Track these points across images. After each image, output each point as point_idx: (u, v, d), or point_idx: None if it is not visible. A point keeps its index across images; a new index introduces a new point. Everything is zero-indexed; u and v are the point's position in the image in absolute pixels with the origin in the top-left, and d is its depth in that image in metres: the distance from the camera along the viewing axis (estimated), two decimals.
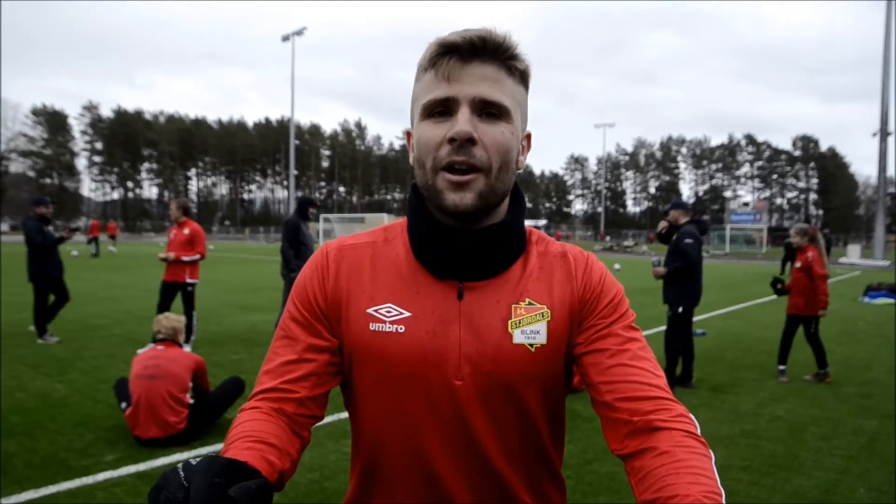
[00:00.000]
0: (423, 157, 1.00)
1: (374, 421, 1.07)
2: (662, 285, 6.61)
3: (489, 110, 0.97)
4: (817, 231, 7.05)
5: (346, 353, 1.06)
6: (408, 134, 1.09)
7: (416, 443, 1.04)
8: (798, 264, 6.82)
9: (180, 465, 0.72)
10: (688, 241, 6.26)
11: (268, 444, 0.92)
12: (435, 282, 1.04)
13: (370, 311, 1.04)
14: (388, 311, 1.03)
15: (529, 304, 1.04)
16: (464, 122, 0.95)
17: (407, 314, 1.03)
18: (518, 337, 1.02)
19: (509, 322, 1.02)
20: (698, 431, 0.93)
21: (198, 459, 0.73)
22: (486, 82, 0.97)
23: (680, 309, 6.39)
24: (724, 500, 0.80)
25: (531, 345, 1.02)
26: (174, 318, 4.87)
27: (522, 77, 1.02)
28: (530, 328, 1.02)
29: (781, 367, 6.86)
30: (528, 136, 1.11)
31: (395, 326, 1.02)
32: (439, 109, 0.98)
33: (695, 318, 6.76)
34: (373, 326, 1.03)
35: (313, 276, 1.09)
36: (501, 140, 0.98)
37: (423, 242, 1.06)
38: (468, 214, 0.99)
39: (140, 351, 7.34)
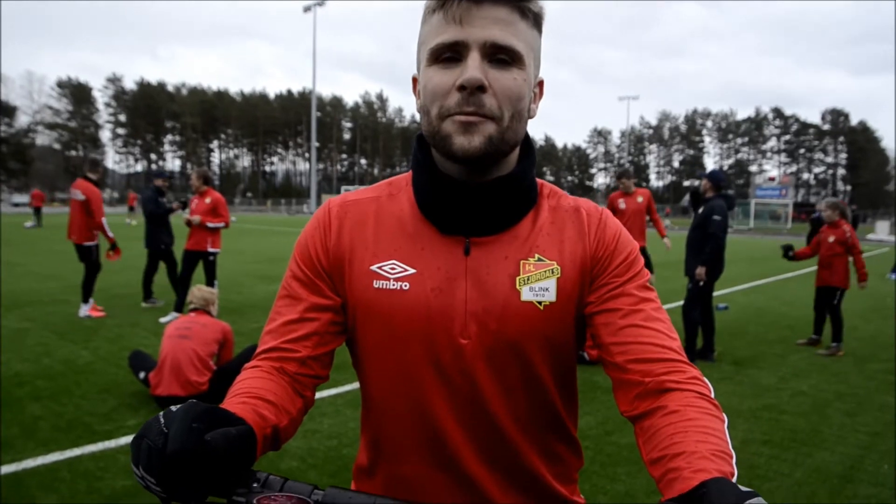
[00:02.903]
0: (428, 104, 0.94)
1: (380, 381, 1.04)
2: (685, 256, 6.54)
3: (501, 56, 0.91)
4: (846, 206, 7.29)
5: (350, 312, 1.03)
6: (413, 80, 1.03)
7: (421, 403, 1.01)
8: (832, 238, 7.01)
9: (162, 413, 0.71)
10: (717, 217, 6.18)
11: (263, 399, 0.90)
12: (441, 237, 1.00)
13: (373, 268, 1.00)
14: (392, 268, 0.99)
15: (539, 260, 1.00)
16: (474, 68, 0.89)
17: (411, 271, 0.99)
18: (526, 294, 0.98)
19: (517, 279, 0.98)
20: (712, 394, 0.90)
21: (179, 406, 0.72)
22: (499, 25, 0.90)
23: (701, 282, 6.33)
24: (734, 462, 0.77)
25: (540, 302, 0.98)
26: (206, 290, 5.06)
27: (536, 20, 0.96)
28: (539, 285, 0.98)
29: (814, 337, 7.28)
30: (541, 84, 1.05)
31: (399, 284, 0.98)
32: (448, 54, 0.92)
33: (717, 293, 6.69)
34: (376, 284, 0.99)
35: (315, 234, 1.05)
36: (513, 87, 0.92)
37: (428, 196, 1.01)
38: (476, 160, 0.93)
39: (162, 319, 7.53)
